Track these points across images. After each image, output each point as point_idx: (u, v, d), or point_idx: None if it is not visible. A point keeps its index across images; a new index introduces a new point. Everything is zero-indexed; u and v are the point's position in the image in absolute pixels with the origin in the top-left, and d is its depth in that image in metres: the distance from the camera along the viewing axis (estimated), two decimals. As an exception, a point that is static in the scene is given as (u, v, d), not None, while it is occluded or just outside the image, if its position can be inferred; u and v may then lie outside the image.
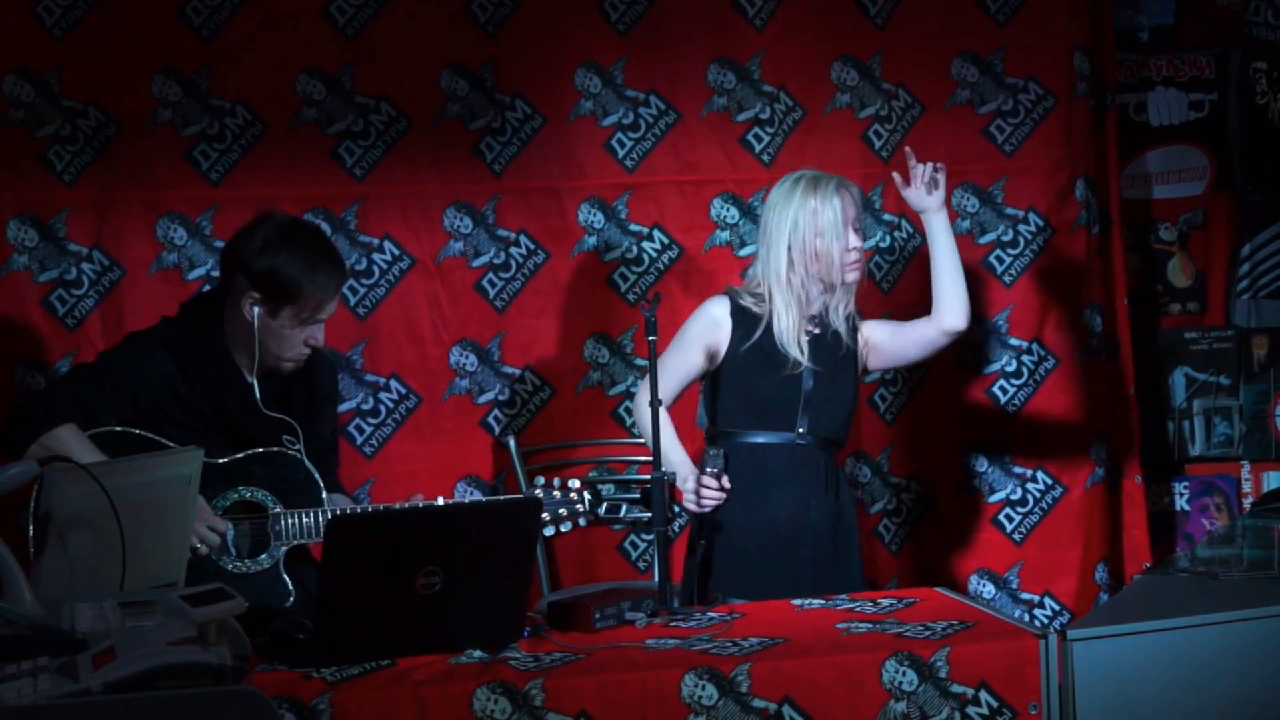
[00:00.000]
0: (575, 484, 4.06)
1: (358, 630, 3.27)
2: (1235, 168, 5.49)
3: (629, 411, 4.96)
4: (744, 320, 4.31)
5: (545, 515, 4.02)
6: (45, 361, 4.77)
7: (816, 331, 4.34)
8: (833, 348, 4.34)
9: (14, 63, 4.76)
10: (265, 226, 4.05)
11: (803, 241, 4.27)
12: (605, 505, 4.12)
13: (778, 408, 4.28)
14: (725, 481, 4.22)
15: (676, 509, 5.01)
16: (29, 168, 4.77)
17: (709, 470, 4.21)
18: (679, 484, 4.27)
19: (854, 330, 4.40)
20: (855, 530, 4.40)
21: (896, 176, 4.40)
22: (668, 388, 4.31)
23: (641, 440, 4.50)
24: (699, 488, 4.22)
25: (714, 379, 4.36)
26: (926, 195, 4.33)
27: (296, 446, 4.03)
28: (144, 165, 4.83)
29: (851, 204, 4.32)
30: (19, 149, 4.77)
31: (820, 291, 4.34)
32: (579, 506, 4.06)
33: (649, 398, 4.06)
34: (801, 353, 4.27)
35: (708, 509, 4.24)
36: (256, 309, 3.99)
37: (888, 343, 4.45)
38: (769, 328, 4.29)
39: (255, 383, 4.03)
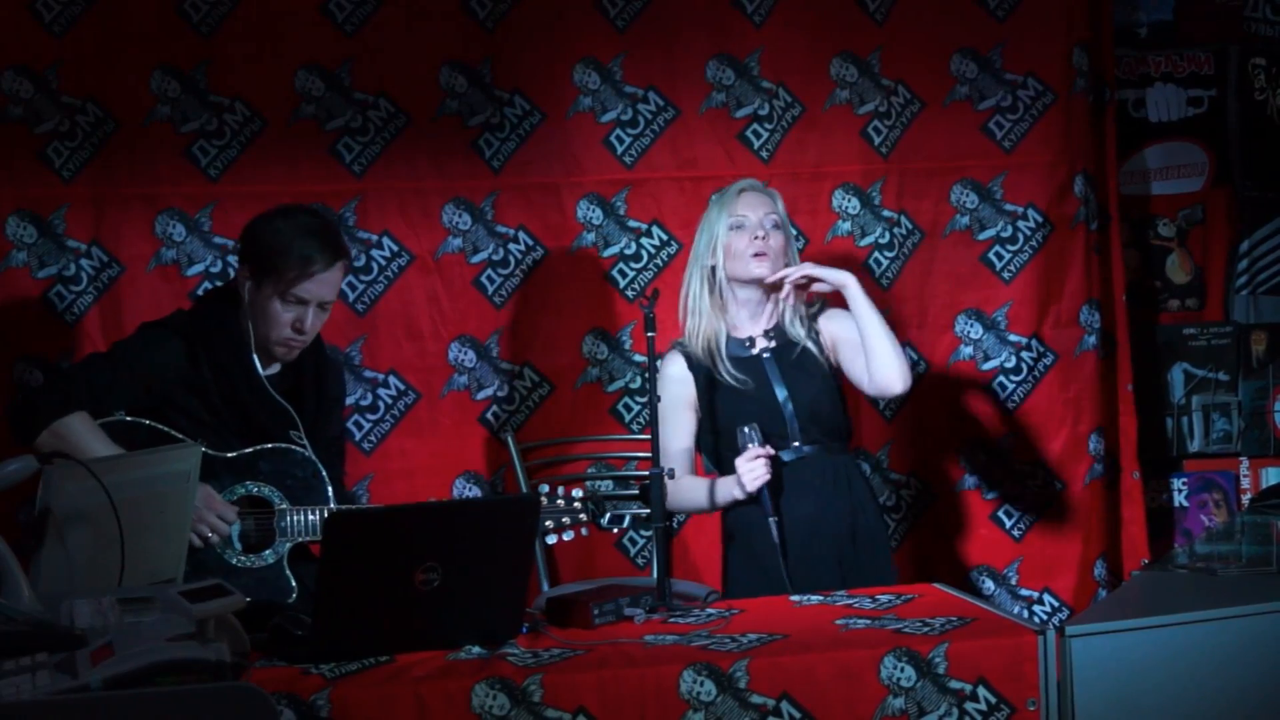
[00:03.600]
0: (578, 494, 4.05)
1: (356, 626, 3.27)
2: (1234, 164, 5.49)
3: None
4: (701, 367, 4.29)
5: (548, 523, 4.01)
6: (44, 358, 4.77)
7: (774, 344, 4.31)
8: (798, 355, 4.30)
9: (13, 59, 4.76)
10: (278, 206, 4.11)
11: (722, 239, 4.27)
12: (608, 516, 4.09)
13: (767, 431, 4.24)
14: (767, 449, 4.15)
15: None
16: (28, 164, 4.78)
17: (749, 446, 4.15)
18: (735, 493, 4.19)
19: (813, 329, 4.36)
20: (881, 529, 4.36)
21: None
22: (683, 456, 4.29)
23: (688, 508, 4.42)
24: (747, 469, 4.14)
25: (700, 430, 4.34)
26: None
27: (303, 442, 4.03)
28: (143, 162, 4.83)
29: (762, 202, 4.29)
30: (18, 145, 4.77)
31: (758, 300, 4.31)
32: (581, 516, 4.04)
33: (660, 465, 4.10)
34: (744, 380, 4.24)
35: (766, 478, 4.13)
36: (248, 282, 4.01)
37: (844, 347, 4.36)
38: (720, 358, 4.27)
39: (264, 366, 4.04)
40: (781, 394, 4.24)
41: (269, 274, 3.98)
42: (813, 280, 4.27)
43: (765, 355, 4.30)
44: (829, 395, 4.31)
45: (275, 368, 4.09)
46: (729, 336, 4.32)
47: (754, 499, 4.17)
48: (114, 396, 3.94)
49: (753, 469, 4.13)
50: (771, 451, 4.17)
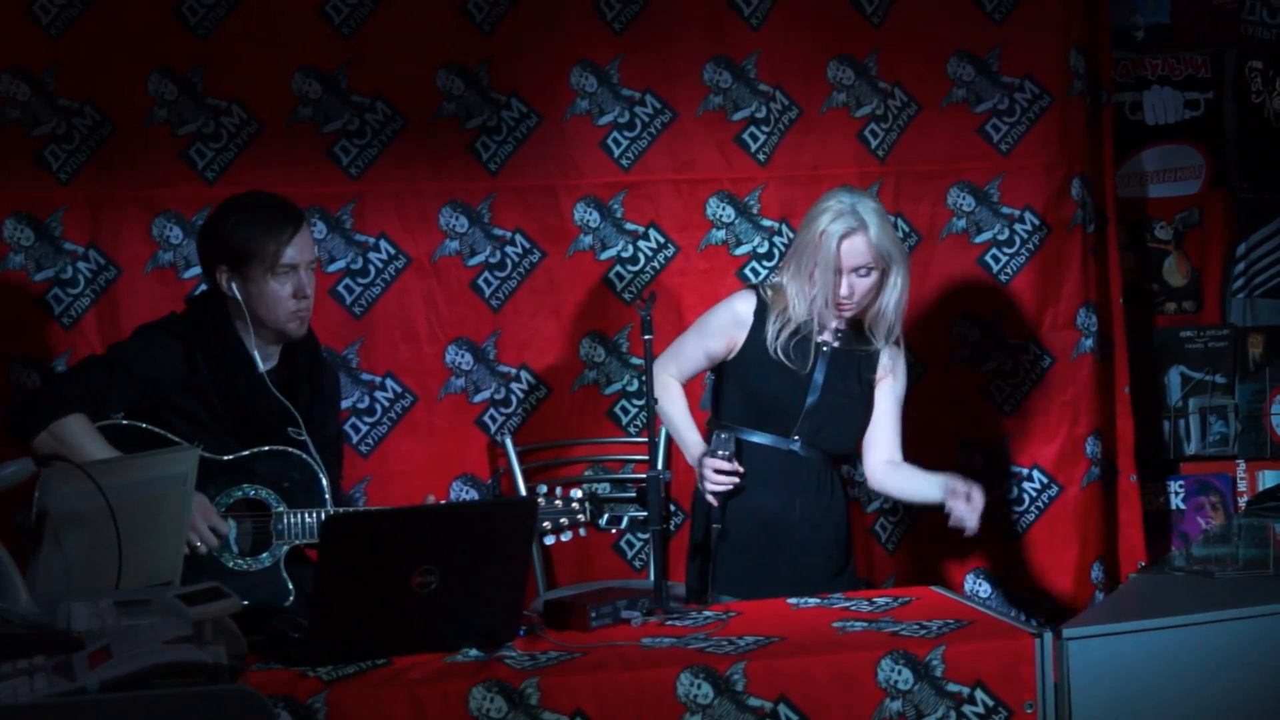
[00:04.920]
0: (577, 494, 4.04)
1: (354, 629, 3.27)
2: (1231, 166, 5.49)
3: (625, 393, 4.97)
4: (765, 320, 4.28)
5: (546, 524, 4.00)
6: (41, 360, 4.77)
7: (836, 345, 4.28)
8: (855, 366, 4.29)
9: (10, 62, 4.75)
10: (212, 211, 4.12)
11: (808, 262, 4.21)
12: (606, 516, 4.09)
13: (778, 412, 4.25)
14: (736, 465, 4.18)
15: (673, 507, 5.02)
16: (25, 167, 4.77)
17: (720, 454, 4.17)
18: (692, 464, 4.27)
19: (882, 353, 4.31)
20: (845, 530, 4.35)
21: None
22: (683, 369, 4.36)
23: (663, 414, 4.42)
24: (712, 477, 4.17)
25: (723, 370, 4.35)
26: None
27: (302, 437, 4.04)
28: (140, 164, 4.83)
29: (861, 252, 4.16)
30: (15, 148, 4.77)
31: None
32: (580, 516, 4.04)
33: (664, 374, 4.26)
34: (791, 357, 4.23)
35: (719, 492, 4.19)
36: (233, 282, 4.01)
37: (879, 401, 4.35)
38: (786, 328, 4.25)
39: (261, 363, 4.04)
40: (813, 392, 4.25)
41: (250, 261, 3.98)
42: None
43: (825, 349, 4.27)
44: (855, 413, 4.31)
45: (271, 363, 4.10)
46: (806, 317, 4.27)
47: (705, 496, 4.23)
48: (111, 398, 3.94)
49: (716, 480, 4.18)
50: (740, 470, 4.19)
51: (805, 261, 4.22)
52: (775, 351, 4.24)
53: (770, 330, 4.25)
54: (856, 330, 4.31)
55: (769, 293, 4.32)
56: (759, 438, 4.25)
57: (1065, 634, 3.37)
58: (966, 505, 4.14)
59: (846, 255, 4.17)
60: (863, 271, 4.20)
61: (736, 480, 4.19)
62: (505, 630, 3.42)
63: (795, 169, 5.07)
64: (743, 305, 4.33)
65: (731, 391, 4.32)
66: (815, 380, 4.26)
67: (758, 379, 4.27)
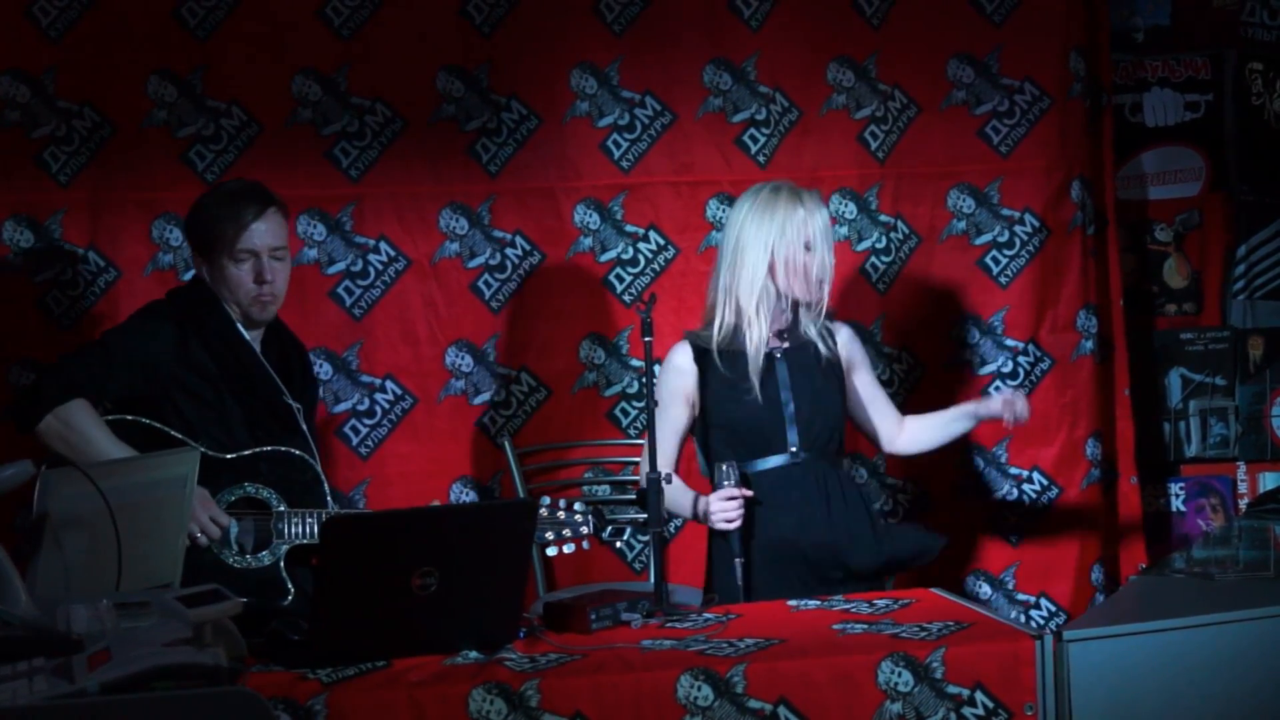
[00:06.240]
0: (580, 506, 4.03)
1: (353, 631, 3.27)
2: (1231, 168, 5.49)
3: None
4: (708, 358, 4.25)
5: (549, 535, 4.00)
6: (41, 362, 4.77)
7: (786, 346, 4.26)
8: (811, 358, 4.27)
9: (9, 64, 4.76)
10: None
11: (788, 250, 4.19)
12: (610, 529, 4.09)
13: (765, 433, 4.22)
14: (743, 491, 4.13)
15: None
16: (24, 169, 4.78)
17: (725, 484, 4.13)
18: (704, 519, 4.21)
19: (831, 337, 4.32)
20: (871, 542, 4.30)
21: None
22: (666, 451, 4.25)
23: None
24: (719, 509, 4.14)
25: (699, 424, 4.30)
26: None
27: (296, 405, 4.09)
28: (139, 166, 4.83)
29: (819, 221, 4.20)
30: (14, 150, 4.77)
31: (784, 307, 4.26)
32: (583, 529, 4.03)
33: (657, 469, 4.14)
34: (752, 378, 4.20)
35: (736, 524, 4.14)
36: (204, 265, 4.10)
37: (861, 392, 4.41)
38: (735, 356, 4.23)
39: (249, 336, 4.09)
40: (786, 399, 4.22)
41: (213, 245, 4.06)
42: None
43: (778, 357, 4.25)
44: (834, 401, 4.30)
45: (257, 345, 4.13)
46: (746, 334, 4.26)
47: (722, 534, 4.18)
48: (113, 383, 3.98)
49: (724, 510, 4.13)
50: (748, 493, 4.15)
51: (780, 247, 4.18)
52: (745, 370, 4.20)
53: (728, 357, 4.22)
54: (794, 324, 4.28)
55: (705, 335, 4.27)
56: (760, 464, 4.23)
57: (1065, 636, 3.37)
58: (1011, 407, 4.37)
59: (817, 225, 4.21)
60: (829, 240, 4.24)
61: (742, 509, 4.13)
62: (505, 632, 3.42)
63: (795, 171, 5.06)
64: (679, 357, 4.28)
65: (716, 438, 4.28)
66: (784, 388, 4.23)
67: (732, 412, 4.23)
